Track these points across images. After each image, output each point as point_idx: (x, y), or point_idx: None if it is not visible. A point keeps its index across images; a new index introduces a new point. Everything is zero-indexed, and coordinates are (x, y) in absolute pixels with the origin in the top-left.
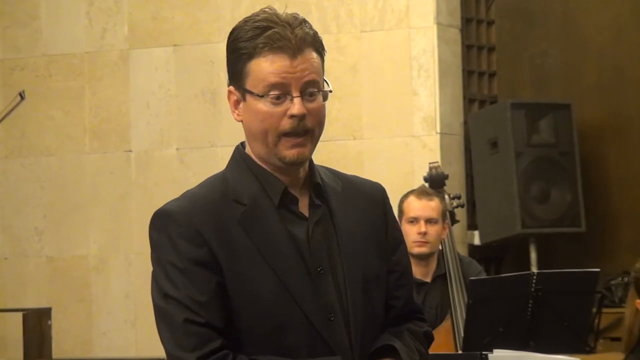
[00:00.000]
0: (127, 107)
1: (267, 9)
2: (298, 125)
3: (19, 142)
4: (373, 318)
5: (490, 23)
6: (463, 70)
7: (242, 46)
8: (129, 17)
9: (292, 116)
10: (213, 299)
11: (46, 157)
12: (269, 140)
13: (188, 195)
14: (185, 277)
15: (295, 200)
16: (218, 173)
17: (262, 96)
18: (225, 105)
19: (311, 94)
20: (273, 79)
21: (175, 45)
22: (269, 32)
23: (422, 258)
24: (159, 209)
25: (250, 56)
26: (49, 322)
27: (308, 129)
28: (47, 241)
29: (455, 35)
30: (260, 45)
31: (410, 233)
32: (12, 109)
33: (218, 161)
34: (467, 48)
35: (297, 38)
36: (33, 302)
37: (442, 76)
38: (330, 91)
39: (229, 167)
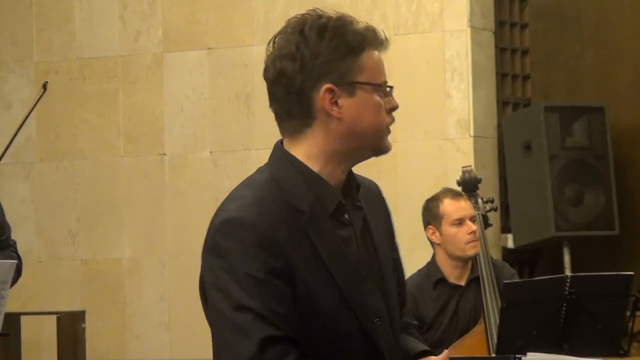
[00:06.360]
0: (161, 110)
1: (316, 10)
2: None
3: (53, 145)
4: (399, 317)
5: (523, 26)
6: (497, 73)
7: (348, 40)
8: (163, 20)
9: (393, 108)
10: (290, 311)
11: (80, 160)
12: (380, 133)
13: (250, 201)
14: (263, 288)
15: (344, 210)
16: (262, 173)
17: (380, 87)
18: (259, 108)
19: None
20: (383, 71)
21: (209, 48)
22: (365, 25)
23: (468, 260)
24: (228, 216)
25: (362, 49)
26: (83, 325)
27: None
28: (81, 244)
29: (489, 38)
30: (370, 39)
31: (460, 235)
32: (37, 101)
33: (252, 164)
34: (500, 51)
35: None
36: (67, 305)
37: (475, 79)
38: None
39: (273, 167)
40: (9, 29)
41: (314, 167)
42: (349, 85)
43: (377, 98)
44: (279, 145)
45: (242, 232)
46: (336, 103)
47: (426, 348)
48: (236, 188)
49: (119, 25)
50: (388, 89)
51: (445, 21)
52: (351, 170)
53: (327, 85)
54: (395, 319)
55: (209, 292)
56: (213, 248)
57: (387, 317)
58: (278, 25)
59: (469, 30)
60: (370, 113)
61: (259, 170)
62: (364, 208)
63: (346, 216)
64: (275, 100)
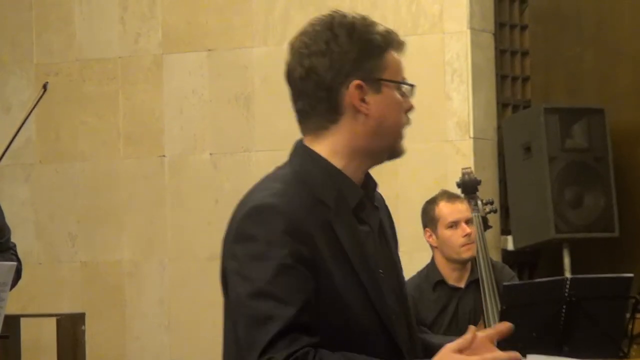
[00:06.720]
0: (160, 112)
1: (338, 11)
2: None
3: (53, 147)
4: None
5: (523, 27)
6: (496, 74)
7: (375, 38)
8: (163, 22)
9: (410, 109)
10: (312, 299)
11: (80, 162)
12: (399, 132)
13: (278, 191)
14: (288, 275)
15: (365, 208)
16: (283, 169)
17: (404, 84)
18: (259, 109)
19: None
20: (403, 72)
21: (209, 50)
22: (385, 28)
23: (465, 263)
24: (259, 203)
25: (387, 47)
26: (83, 327)
27: None
28: (81, 246)
29: (488, 39)
30: (392, 40)
31: (455, 237)
32: (37, 101)
33: (252, 166)
34: (500, 52)
35: None
36: (67, 307)
37: (475, 81)
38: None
39: (296, 163)
40: (9, 31)
41: (337, 163)
42: (375, 82)
43: (399, 96)
44: (300, 143)
45: (272, 217)
46: (364, 100)
47: (441, 341)
48: (260, 182)
49: (119, 27)
50: (405, 87)
51: (445, 23)
52: (369, 172)
53: (356, 82)
54: (410, 317)
55: (230, 279)
56: (240, 235)
57: (403, 315)
58: (278, 27)
59: (468, 32)
60: (394, 110)
61: (279, 167)
62: (380, 209)
63: (365, 214)
64: (302, 97)
